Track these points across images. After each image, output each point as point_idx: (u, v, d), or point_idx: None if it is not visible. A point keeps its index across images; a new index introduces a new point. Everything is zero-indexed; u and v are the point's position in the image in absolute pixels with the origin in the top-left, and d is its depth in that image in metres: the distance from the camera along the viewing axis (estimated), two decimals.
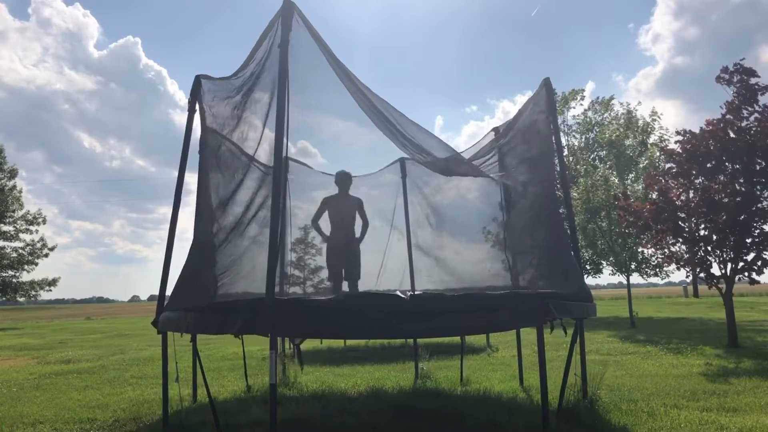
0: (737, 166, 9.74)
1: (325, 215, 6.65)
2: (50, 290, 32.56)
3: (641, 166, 20.40)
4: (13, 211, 30.46)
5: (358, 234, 6.77)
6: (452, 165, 5.33)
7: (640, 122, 21.41)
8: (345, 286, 6.57)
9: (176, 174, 5.35)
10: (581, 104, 29.66)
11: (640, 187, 18.83)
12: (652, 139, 21.04)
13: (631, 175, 20.60)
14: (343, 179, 6.71)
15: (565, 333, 4.93)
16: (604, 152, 23.05)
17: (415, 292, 6.10)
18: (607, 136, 21.26)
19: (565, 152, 27.90)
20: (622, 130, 21.33)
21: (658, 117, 21.60)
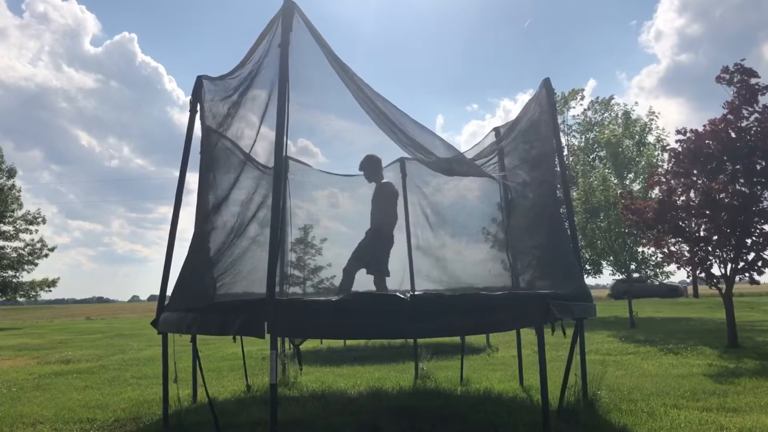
0: (738, 167, 9.74)
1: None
2: (50, 290, 32.57)
3: (640, 165, 20.40)
4: (13, 211, 30.44)
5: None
6: (455, 165, 5.32)
7: (638, 124, 21.39)
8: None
9: (175, 173, 5.36)
10: (581, 104, 29.68)
11: (639, 186, 18.84)
12: (651, 138, 21.05)
13: (630, 175, 20.60)
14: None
15: (555, 332, 4.91)
16: (603, 152, 23.07)
17: (415, 293, 6.09)
18: (606, 135, 21.27)
19: (565, 152, 27.92)
20: (620, 130, 21.35)
21: (656, 116, 21.62)
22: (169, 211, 5.35)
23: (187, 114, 5.25)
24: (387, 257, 6.34)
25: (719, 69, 10.22)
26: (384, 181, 6.63)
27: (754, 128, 9.64)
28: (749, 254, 9.73)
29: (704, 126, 10.09)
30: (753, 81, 9.83)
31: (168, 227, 5.30)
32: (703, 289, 36.48)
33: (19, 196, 30.89)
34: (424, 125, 4.92)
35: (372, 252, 6.20)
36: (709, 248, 9.97)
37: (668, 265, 16.98)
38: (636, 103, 43.34)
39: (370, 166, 6.49)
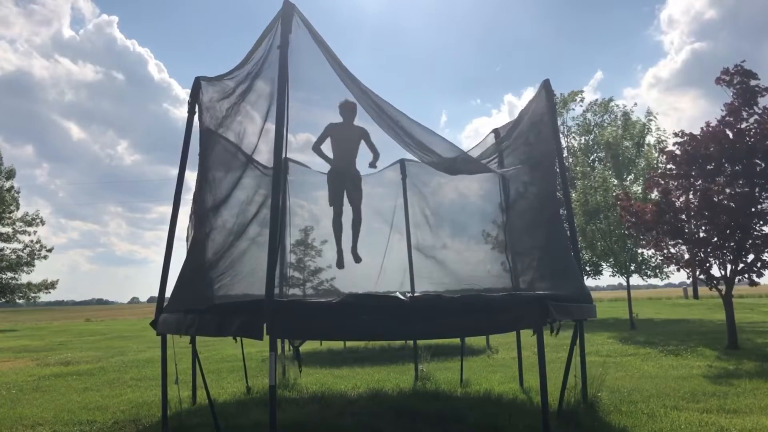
0: (737, 168, 9.74)
1: (328, 142, 6.41)
2: (49, 292, 32.58)
3: (640, 167, 20.39)
4: (11, 213, 30.44)
5: (358, 166, 6.37)
6: (460, 164, 5.31)
7: (637, 125, 21.37)
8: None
9: (172, 172, 5.36)
10: (581, 105, 29.66)
11: (639, 188, 18.82)
12: (651, 140, 21.03)
13: (629, 177, 20.58)
14: (347, 108, 6.19)
15: (552, 333, 4.93)
16: (603, 154, 23.04)
17: (415, 294, 6.09)
18: (605, 136, 21.26)
19: (565, 154, 27.90)
20: (620, 132, 21.33)
21: (654, 118, 21.61)
22: (166, 210, 5.36)
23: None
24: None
25: (739, 58, 10.20)
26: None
27: (753, 129, 9.64)
28: (748, 256, 9.72)
29: (702, 128, 10.10)
30: (753, 83, 9.84)
31: (166, 227, 5.30)
32: (703, 290, 36.45)
33: (18, 197, 30.94)
34: (425, 125, 4.91)
35: None
36: (709, 250, 9.96)
37: (668, 266, 16.96)
38: (635, 104, 43.22)
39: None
